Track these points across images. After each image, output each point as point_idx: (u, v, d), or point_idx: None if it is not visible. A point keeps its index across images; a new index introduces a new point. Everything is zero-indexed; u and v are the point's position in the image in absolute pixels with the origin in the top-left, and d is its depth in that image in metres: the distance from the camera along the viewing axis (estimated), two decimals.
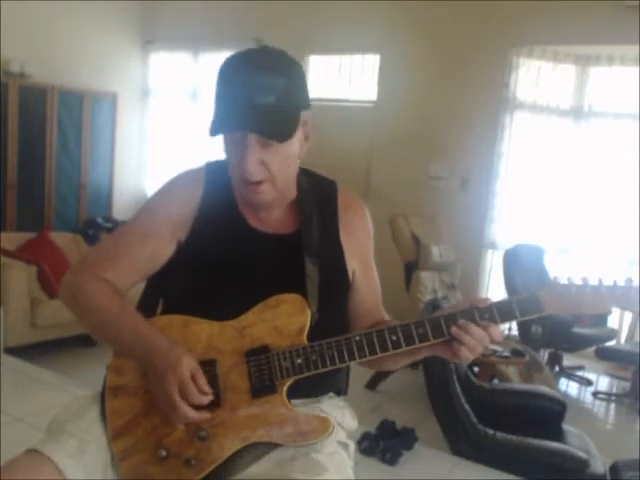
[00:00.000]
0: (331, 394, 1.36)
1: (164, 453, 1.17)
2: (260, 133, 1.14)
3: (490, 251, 5.49)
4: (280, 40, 6.68)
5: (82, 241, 4.92)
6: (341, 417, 1.34)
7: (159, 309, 1.33)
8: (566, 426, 3.12)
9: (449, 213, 5.27)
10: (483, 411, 3.04)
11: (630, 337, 5.16)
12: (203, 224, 1.28)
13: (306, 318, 1.20)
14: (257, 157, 1.16)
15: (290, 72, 1.17)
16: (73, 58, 6.37)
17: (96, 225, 6.17)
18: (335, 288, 1.30)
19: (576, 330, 4.60)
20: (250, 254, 1.26)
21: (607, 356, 4.65)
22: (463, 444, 2.94)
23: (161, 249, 1.27)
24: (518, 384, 3.65)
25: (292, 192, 1.31)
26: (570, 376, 4.96)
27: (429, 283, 4.59)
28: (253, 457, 1.20)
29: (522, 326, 4.65)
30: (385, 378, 4.13)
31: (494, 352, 3.76)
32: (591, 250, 5.26)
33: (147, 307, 1.32)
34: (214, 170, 1.32)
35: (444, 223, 5.03)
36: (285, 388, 1.18)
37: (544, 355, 4.79)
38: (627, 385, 4.67)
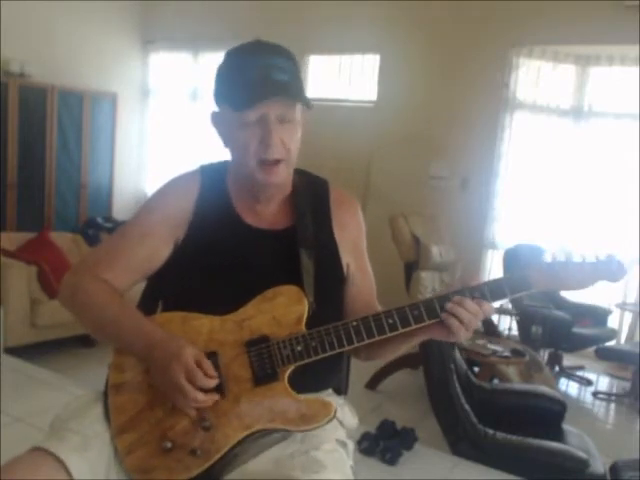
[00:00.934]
0: (330, 391, 1.37)
1: (169, 445, 1.18)
2: (286, 95, 1.21)
3: (490, 251, 5.49)
4: (280, 40, 6.67)
5: (82, 241, 4.92)
6: (341, 415, 1.34)
7: (158, 311, 1.33)
8: (566, 426, 3.12)
9: (449, 213, 5.27)
10: (483, 411, 3.04)
11: (630, 337, 5.16)
12: (199, 223, 1.31)
13: (304, 307, 1.23)
14: (279, 134, 1.22)
15: (295, 59, 1.28)
16: (73, 58, 6.37)
17: (96, 225, 6.17)
18: (330, 280, 1.33)
19: (576, 330, 4.60)
20: (247, 250, 1.29)
21: (607, 356, 4.65)
22: (463, 444, 2.94)
23: (159, 249, 1.30)
24: (518, 384, 3.65)
25: (288, 186, 1.35)
26: (570, 376, 4.96)
27: (429, 283, 4.59)
28: (255, 450, 1.22)
29: (522, 326, 4.66)
30: (385, 378, 4.13)
31: (494, 352, 3.76)
32: (591, 250, 5.26)
33: (147, 307, 1.32)
34: (209, 172, 1.38)
35: (444, 223, 5.03)
36: (286, 375, 1.20)
37: (544, 355, 4.79)
38: (627, 385, 4.67)
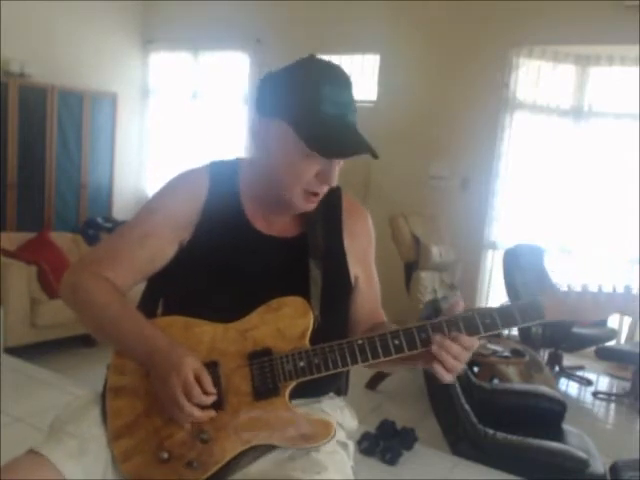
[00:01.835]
0: (331, 394, 1.36)
1: (166, 455, 1.16)
2: (364, 152, 1.18)
3: (490, 251, 5.49)
4: (280, 40, 6.68)
5: (82, 241, 4.92)
6: (341, 417, 1.34)
7: (159, 309, 1.32)
8: (566, 426, 3.12)
9: (449, 213, 5.27)
10: (483, 411, 3.04)
11: (630, 337, 5.16)
12: (207, 226, 1.27)
13: (309, 321, 1.20)
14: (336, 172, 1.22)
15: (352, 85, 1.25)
16: (73, 58, 6.37)
17: (96, 225, 6.16)
18: (338, 292, 1.31)
19: (576, 330, 4.60)
20: (254, 256, 1.26)
21: (607, 356, 4.65)
22: (463, 444, 2.94)
23: (162, 250, 1.27)
24: (518, 384, 3.65)
25: None
26: (570, 376, 4.96)
27: (429, 283, 4.59)
28: (253, 457, 1.20)
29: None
30: (385, 378, 4.13)
31: (494, 352, 3.76)
32: (591, 250, 5.26)
33: (147, 307, 1.31)
34: (219, 170, 1.32)
35: (444, 223, 5.03)
36: (288, 391, 1.18)
37: (544, 355, 4.79)
38: (627, 385, 4.67)
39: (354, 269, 1.34)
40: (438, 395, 3.06)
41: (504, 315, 1.17)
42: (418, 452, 3.03)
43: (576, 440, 2.97)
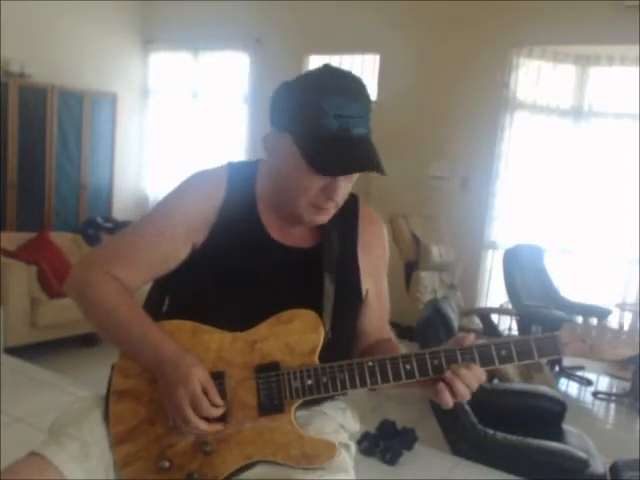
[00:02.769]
0: (334, 398, 1.34)
1: (167, 464, 1.15)
2: (378, 171, 1.13)
3: (490, 251, 5.49)
4: (280, 40, 6.67)
5: (82, 241, 4.92)
6: (343, 419, 1.32)
7: (164, 306, 1.30)
8: (566, 426, 3.12)
9: (449, 213, 5.27)
10: (483, 411, 3.03)
11: None
12: (222, 230, 1.23)
13: (319, 337, 1.17)
14: (342, 189, 1.18)
15: (369, 96, 1.18)
16: (73, 58, 6.37)
17: (96, 225, 6.17)
18: (349, 307, 1.28)
19: None
20: (267, 265, 1.23)
21: None
22: (463, 444, 2.94)
23: (175, 252, 1.23)
24: (518, 384, 3.65)
25: None
26: (570, 376, 4.96)
27: (429, 283, 4.59)
28: (253, 465, 1.19)
29: (522, 326, 4.66)
30: None
31: None
32: (591, 250, 5.26)
33: (153, 305, 1.29)
34: (237, 173, 1.28)
35: (444, 223, 5.03)
36: (293, 408, 1.15)
37: None
38: (627, 385, 4.67)
39: (366, 283, 1.31)
40: None
41: (521, 348, 1.14)
42: (418, 452, 3.03)
43: (576, 440, 2.97)
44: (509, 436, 2.86)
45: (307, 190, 1.17)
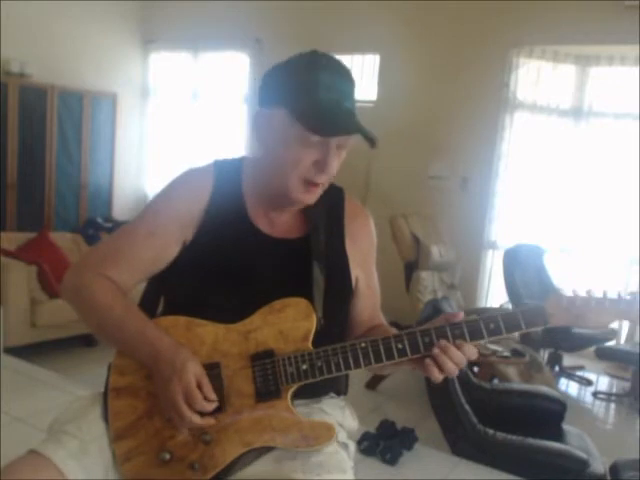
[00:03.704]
0: (331, 394, 1.36)
1: (167, 456, 1.17)
2: (361, 132, 1.16)
3: (490, 251, 5.49)
4: (280, 40, 6.68)
5: (82, 241, 4.92)
6: (342, 417, 1.34)
7: (160, 307, 1.33)
8: (566, 426, 3.12)
9: (449, 213, 5.27)
10: (483, 411, 3.04)
11: (630, 337, 5.16)
12: (210, 225, 1.26)
13: (312, 323, 1.20)
14: (334, 160, 1.19)
15: (355, 82, 1.26)
16: (73, 58, 6.37)
17: (96, 225, 6.17)
18: (339, 294, 1.31)
19: (576, 330, 4.59)
20: (257, 257, 1.26)
21: (607, 356, 4.65)
22: (463, 444, 2.94)
23: (166, 249, 1.26)
24: (518, 384, 3.65)
25: None
26: (570, 376, 4.96)
27: (429, 283, 4.59)
28: (254, 456, 1.21)
29: None
30: (385, 378, 4.13)
31: (494, 352, 3.76)
32: (591, 250, 5.26)
33: (149, 305, 1.31)
34: (223, 169, 1.32)
35: (444, 223, 5.03)
36: (290, 393, 1.18)
37: (544, 355, 4.79)
38: (627, 385, 4.67)
39: (355, 272, 1.34)
40: (438, 395, 3.06)
41: (508, 320, 1.17)
42: (418, 452, 3.03)
43: (576, 440, 2.97)
44: (509, 436, 2.87)
45: (300, 162, 1.18)
